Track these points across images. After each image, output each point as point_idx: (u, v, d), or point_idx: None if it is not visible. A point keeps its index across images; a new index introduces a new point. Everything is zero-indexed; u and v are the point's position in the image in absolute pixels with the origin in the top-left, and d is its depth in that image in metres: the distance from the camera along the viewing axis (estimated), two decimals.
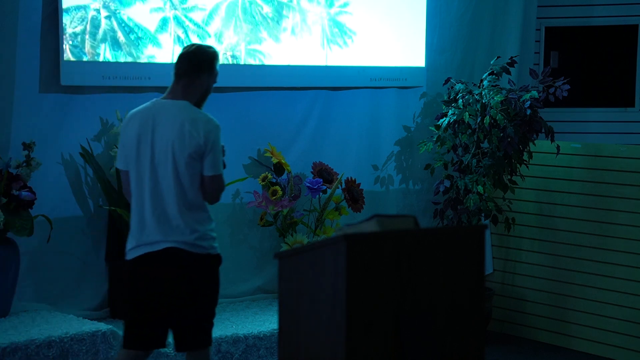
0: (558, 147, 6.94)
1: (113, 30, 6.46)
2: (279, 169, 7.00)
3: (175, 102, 4.72)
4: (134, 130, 4.70)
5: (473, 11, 7.86)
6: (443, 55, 7.78)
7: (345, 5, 7.28)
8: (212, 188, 4.69)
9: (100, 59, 6.42)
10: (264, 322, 6.43)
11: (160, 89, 6.67)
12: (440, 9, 7.75)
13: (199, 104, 4.79)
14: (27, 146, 6.08)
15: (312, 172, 7.13)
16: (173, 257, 4.65)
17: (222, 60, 6.79)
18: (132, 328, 4.75)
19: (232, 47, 6.86)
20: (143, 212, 4.69)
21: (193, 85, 4.75)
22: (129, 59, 6.50)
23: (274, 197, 6.82)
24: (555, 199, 7.23)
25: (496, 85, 7.06)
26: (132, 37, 6.53)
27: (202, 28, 6.75)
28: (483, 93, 7.01)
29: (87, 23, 6.36)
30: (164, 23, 6.63)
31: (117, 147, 6.41)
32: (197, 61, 4.75)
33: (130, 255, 4.72)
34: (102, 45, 6.42)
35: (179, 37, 6.67)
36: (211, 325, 4.83)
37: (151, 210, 4.67)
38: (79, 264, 6.52)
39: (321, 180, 7.01)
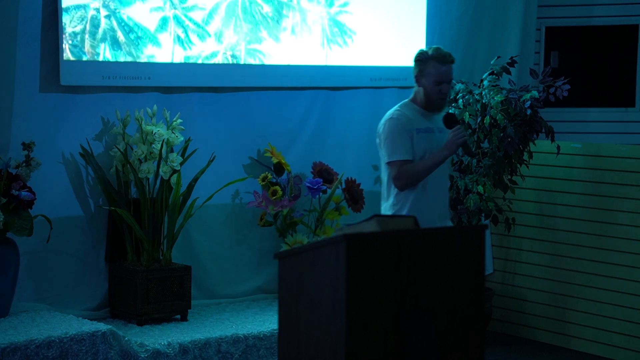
0: (558, 147, 6.94)
1: (113, 30, 6.46)
2: (279, 169, 6.99)
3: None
4: None
5: (473, 11, 7.86)
6: None
7: (345, 4, 7.28)
8: (388, 174, 5.30)
9: (100, 58, 6.41)
10: (264, 322, 6.42)
11: (160, 89, 6.70)
12: (440, 9, 7.74)
13: (428, 106, 5.31)
14: (27, 146, 6.07)
15: (312, 172, 7.12)
16: None
17: (221, 60, 6.80)
18: None
19: (232, 46, 6.85)
20: None
21: (416, 86, 5.33)
22: (129, 59, 6.50)
23: (274, 197, 6.82)
24: (555, 199, 7.22)
25: (496, 85, 7.05)
26: (132, 36, 6.53)
27: (202, 27, 6.74)
28: (483, 93, 7.00)
29: (86, 22, 6.36)
30: (163, 22, 6.62)
31: (116, 148, 6.42)
32: (414, 64, 5.32)
33: None
34: (102, 45, 6.42)
35: (178, 37, 6.67)
36: None
37: None
38: (79, 264, 6.51)
39: (321, 180, 7.00)
